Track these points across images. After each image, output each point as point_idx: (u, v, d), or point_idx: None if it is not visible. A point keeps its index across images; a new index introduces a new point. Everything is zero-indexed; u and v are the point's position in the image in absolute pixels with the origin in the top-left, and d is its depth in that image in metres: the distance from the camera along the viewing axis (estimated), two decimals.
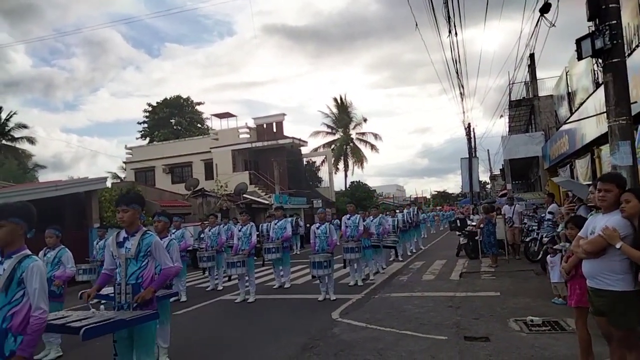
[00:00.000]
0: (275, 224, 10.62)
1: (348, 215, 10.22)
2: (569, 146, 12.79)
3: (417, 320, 6.54)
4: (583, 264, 3.55)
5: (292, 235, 12.54)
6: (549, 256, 7.30)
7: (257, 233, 11.03)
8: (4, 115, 37.32)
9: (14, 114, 37.88)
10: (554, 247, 6.99)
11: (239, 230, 9.41)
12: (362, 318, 6.85)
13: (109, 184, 17.94)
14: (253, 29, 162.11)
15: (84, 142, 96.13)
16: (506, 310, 6.73)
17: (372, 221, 11.39)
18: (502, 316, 6.39)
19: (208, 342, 6.25)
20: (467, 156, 24.34)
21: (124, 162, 33.72)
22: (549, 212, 10.39)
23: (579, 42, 5.90)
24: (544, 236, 10.06)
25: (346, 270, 10.48)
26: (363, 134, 46.14)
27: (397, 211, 16.67)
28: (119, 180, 31.65)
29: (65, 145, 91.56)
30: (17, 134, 37.77)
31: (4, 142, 37.04)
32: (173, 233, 8.82)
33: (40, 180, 31.98)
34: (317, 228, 8.85)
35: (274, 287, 10.37)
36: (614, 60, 5.64)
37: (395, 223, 14.16)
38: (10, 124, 37.58)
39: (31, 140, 38.09)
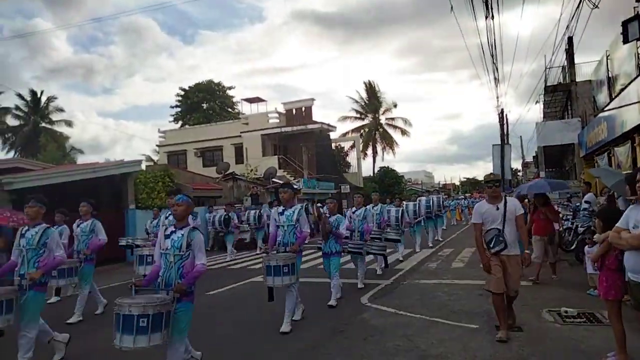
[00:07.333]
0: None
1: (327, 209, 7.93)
2: (608, 133, 12.31)
3: (447, 308, 6.52)
4: (626, 258, 3.45)
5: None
6: (586, 247, 7.12)
7: None
8: (43, 99, 38.78)
9: (55, 98, 39.37)
10: (593, 238, 6.81)
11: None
12: (392, 304, 6.88)
13: (143, 166, 18.38)
14: (284, 15, 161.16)
15: (119, 125, 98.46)
16: (539, 301, 6.63)
17: (363, 212, 8.71)
18: (535, 306, 6.31)
19: (237, 323, 6.40)
20: (499, 142, 23.83)
21: (157, 145, 34.43)
22: (586, 202, 10.11)
23: (625, 24, 5.66)
24: (579, 226, 9.81)
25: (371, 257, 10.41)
26: (392, 119, 45.59)
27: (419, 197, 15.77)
28: (152, 163, 32.35)
29: (102, 128, 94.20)
30: (55, 117, 39.22)
31: (43, 124, 38.48)
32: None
33: (78, 163, 33.12)
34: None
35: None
36: None
37: (417, 209, 13.38)
38: (50, 108, 39.05)
39: (69, 123, 39.53)
